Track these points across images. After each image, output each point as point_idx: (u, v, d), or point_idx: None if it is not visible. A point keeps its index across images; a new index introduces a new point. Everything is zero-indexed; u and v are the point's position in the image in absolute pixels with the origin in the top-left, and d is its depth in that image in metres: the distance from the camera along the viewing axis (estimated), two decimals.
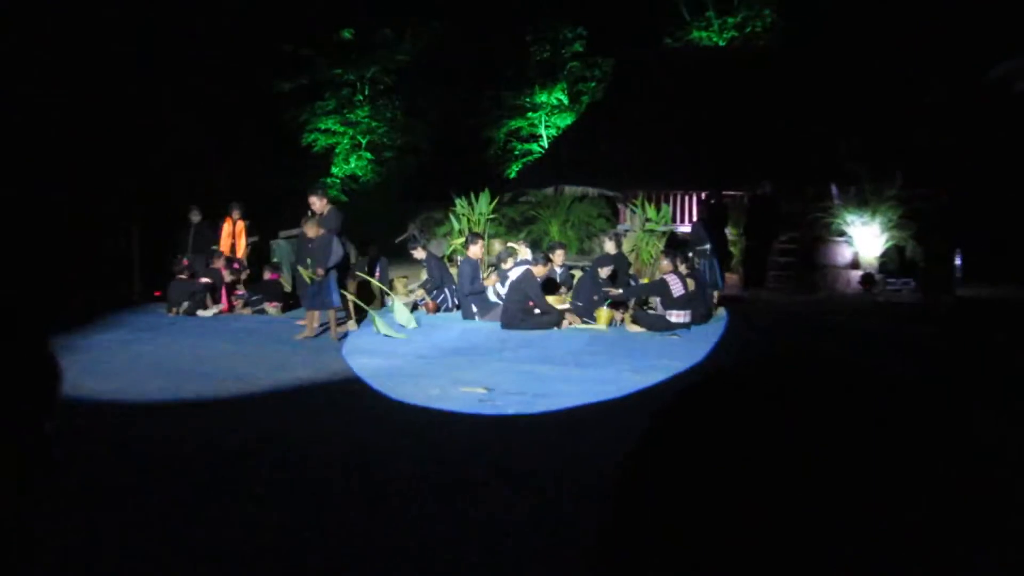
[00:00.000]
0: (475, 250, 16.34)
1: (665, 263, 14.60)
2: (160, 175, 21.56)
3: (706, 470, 0.71)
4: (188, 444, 7.32)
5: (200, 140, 25.15)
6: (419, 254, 17.07)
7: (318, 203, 13.58)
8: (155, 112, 23.30)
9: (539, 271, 14.85)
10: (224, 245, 17.77)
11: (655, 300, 14.68)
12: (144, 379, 9.90)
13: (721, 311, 15.91)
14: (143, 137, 22.06)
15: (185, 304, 15.53)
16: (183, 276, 15.93)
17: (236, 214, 18.33)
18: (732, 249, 19.87)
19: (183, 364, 10.95)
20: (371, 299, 15.88)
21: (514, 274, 15.01)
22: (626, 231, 20.41)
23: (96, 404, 8.68)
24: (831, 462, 0.68)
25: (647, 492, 0.73)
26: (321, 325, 13.48)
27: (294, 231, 19.19)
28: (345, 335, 13.39)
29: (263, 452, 7.09)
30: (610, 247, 16.62)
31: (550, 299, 15.14)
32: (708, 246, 17.23)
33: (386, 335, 13.22)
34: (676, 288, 14.07)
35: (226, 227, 18.20)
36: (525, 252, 16.59)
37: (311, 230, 13.33)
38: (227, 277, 16.39)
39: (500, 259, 16.28)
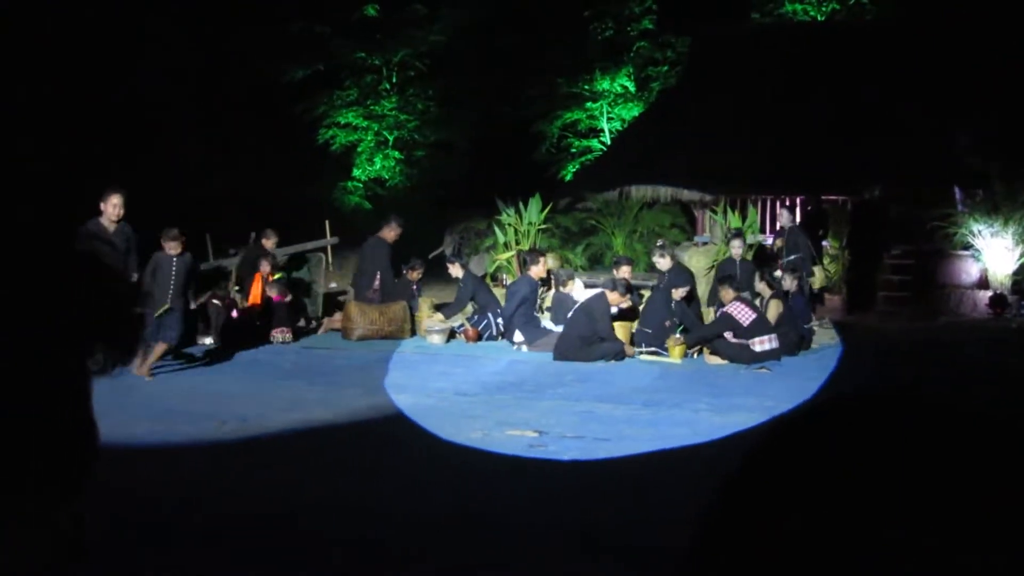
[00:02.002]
0: (537, 271, 16.58)
1: (725, 292, 14.68)
2: (146, 178, 21.83)
3: (800, 536, 0.72)
4: (180, 496, 7.40)
5: (194, 137, 25.42)
6: (455, 271, 17.16)
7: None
8: (137, 104, 23.60)
9: (615, 299, 14.87)
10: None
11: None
12: (133, 420, 10.00)
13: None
14: (124, 132, 22.34)
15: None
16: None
17: (266, 266, 16.84)
18: (829, 266, 19.76)
19: (177, 403, 11.06)
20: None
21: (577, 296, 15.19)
22: (704, 243, 20.35)
23: None
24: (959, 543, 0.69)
25: (725, 562, 0.75)
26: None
27: (310, 245, 19.31)
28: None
29: (265, 507, 7.15)
30: (662, 263, 16.30)
31: (615, 325, 15.17)
32: (798, 255, 17.27)
33: None
34: (743, 316, 14.11)
35: (255, 287, 16.71)
36: (578, 286, 16.53)
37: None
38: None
39: (560, 282, 16.32)
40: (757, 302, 15.30)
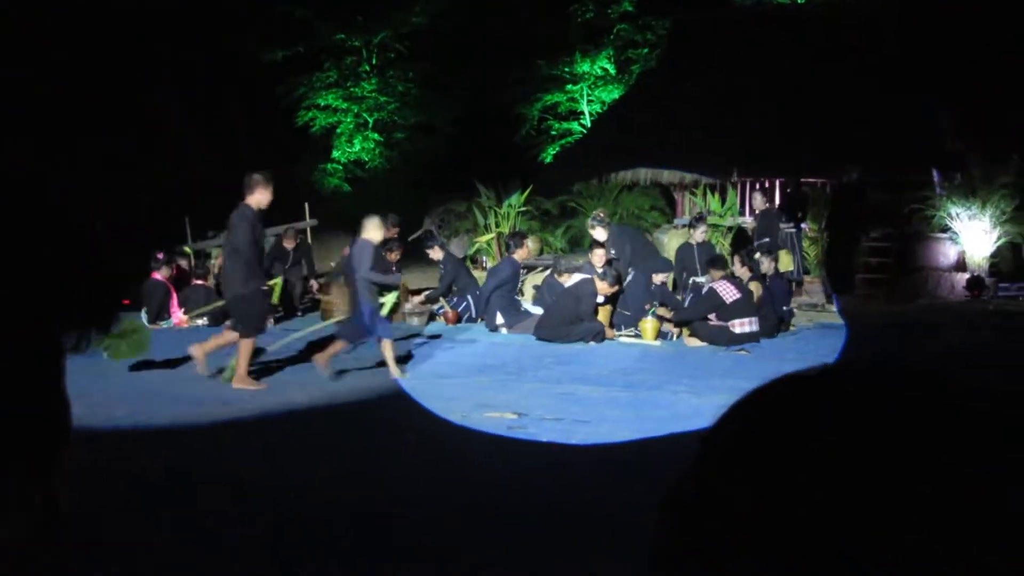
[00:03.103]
0: (521, 254, 16.65)
1: (715, 271, 14.68)
2: (128, 158, 21.75)
3: (772, 516, 0.71)
4: (162, 480, 7.38)
5: (173, 119, 25.33)
6: (436, 254, 17.18)
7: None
8: (119, 86, 23.49)
9: (603, 289, 14.84)
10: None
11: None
12: (111, 402, 9.96)
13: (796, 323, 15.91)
14: (105, 114, 22.26)
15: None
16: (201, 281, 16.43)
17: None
18: (808, 249, 19.82)
19: (157, 385, 11.02)
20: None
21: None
22: (684, 225, 20.39)
23: None
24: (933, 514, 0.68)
25: (691, 543, 0.74)
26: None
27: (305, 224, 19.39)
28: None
29: (247, 492, 7.13)
30: (598, 234, 16.18)
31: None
32: (768, 239, 17.36)
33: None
34: (728, 294, 14.07)
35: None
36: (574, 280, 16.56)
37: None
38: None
39: (558, 269, 16.33)
40: None
